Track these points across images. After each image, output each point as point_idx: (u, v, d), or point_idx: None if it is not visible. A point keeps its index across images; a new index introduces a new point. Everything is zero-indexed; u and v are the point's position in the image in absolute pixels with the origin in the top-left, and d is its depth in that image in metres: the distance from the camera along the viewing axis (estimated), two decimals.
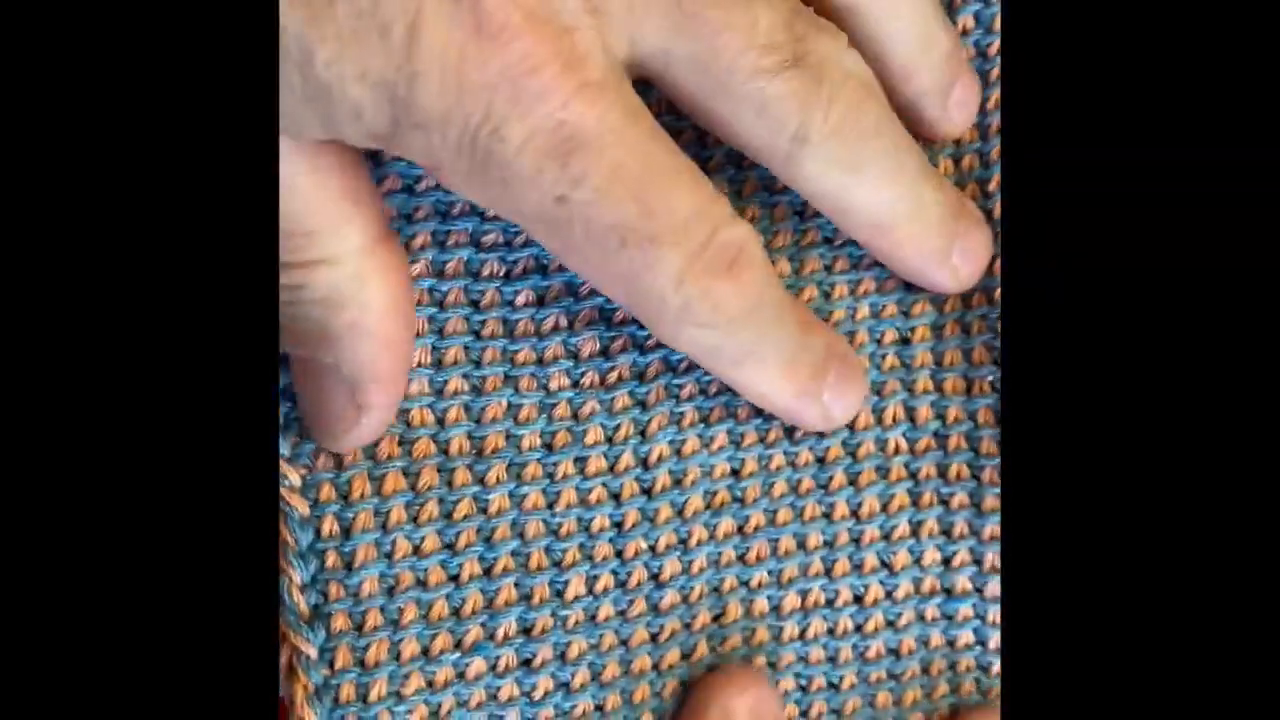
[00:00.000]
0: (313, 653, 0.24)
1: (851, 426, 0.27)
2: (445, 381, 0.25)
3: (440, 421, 0.25)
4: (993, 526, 0.27)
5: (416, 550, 0.25)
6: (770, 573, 0.27)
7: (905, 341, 0.28)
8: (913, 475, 0.28)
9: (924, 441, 0.28)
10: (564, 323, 0.26)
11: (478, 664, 0.25)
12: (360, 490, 0.24)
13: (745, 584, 0.27)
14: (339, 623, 0.24)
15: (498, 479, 0.25)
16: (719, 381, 0.26)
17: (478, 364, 0.25)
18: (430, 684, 0.24)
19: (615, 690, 0.26)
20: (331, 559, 0.24)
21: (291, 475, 0.24)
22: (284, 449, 0.24)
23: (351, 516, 0.24)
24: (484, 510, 0.25)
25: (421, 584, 0.25)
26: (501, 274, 0.26)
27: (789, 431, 0.27)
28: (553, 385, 0.26)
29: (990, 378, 0.27)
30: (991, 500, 0.27)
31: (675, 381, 0.26)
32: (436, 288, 0.25)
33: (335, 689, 0.24)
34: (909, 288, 0.28)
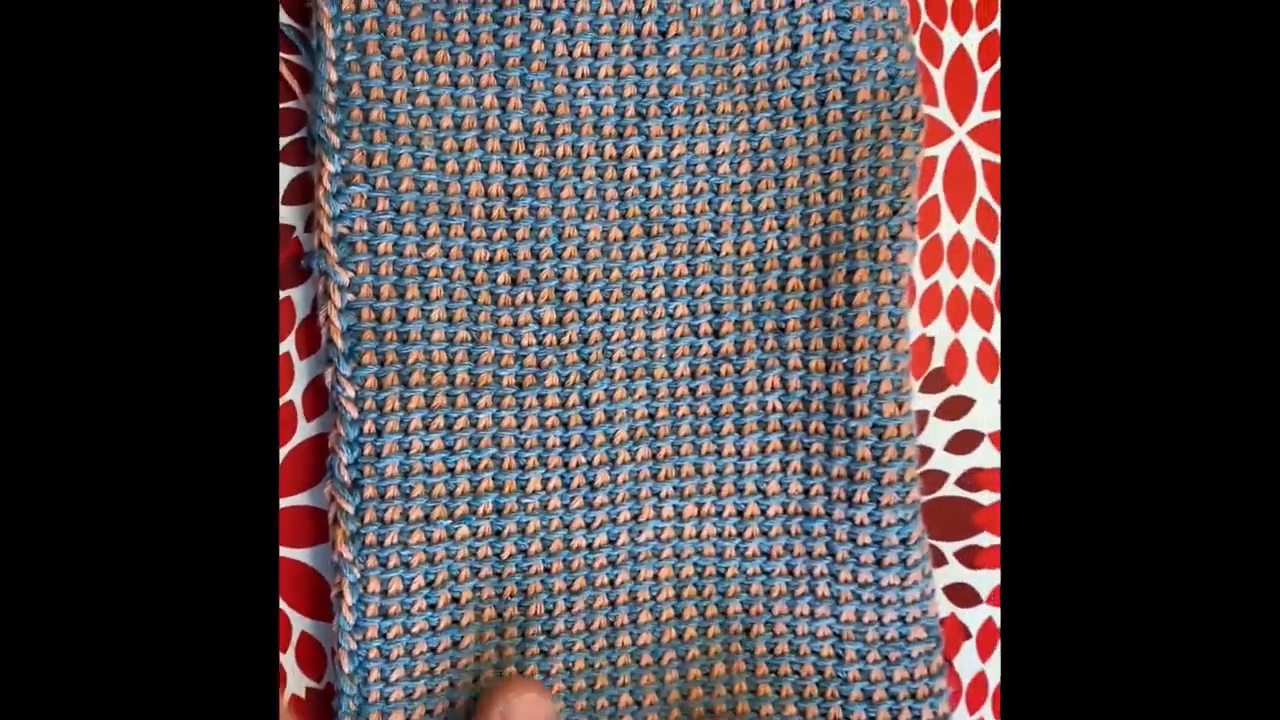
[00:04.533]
0: (350, 509, 0.35)
1: (741, 390, 0.38)
2: (455, 333, 0.36)
3: (450, 360, 0.36)
4: (839, 467, 0.38)
5: (426, 449, 0.36)
6: (675, 488, 0.38)
7: (781, 330, 0.39)
8: (784, 428, 0.39)
9: (793, 404, 0.39)
10: (530, 298, 0.37)
11: (463, 530, 0.36)
12: (391, 405, 0.36)
13: (657, 495, 0.38)
14: (369, 492, 0.36)
15: (486, 405, 0.37)
16: (640, 347, 0.38)
17: (475, 321, 0.37)
18: (429, 539, 0.36)
19: (559, 559, 0.37)
20: (368, 449, 0.36)
21: (349, 389, 0.36)
22: (345, 369, 0.35)
23: (384, 422, 0.36)
24: (474, 424, 0.37)
25: (427, 471, 0.36)
26: (487, 259, 0.37)
27: (693, 390, 0.38)
28: (524, 342, 0.37)
29: (844, 360, 0.38)
30: (839, 449, 0.38)
31: (609, 347, 0.38)
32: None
33: (363, 536, 0.35)
34: (783, 289, 0.39)
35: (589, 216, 0.38)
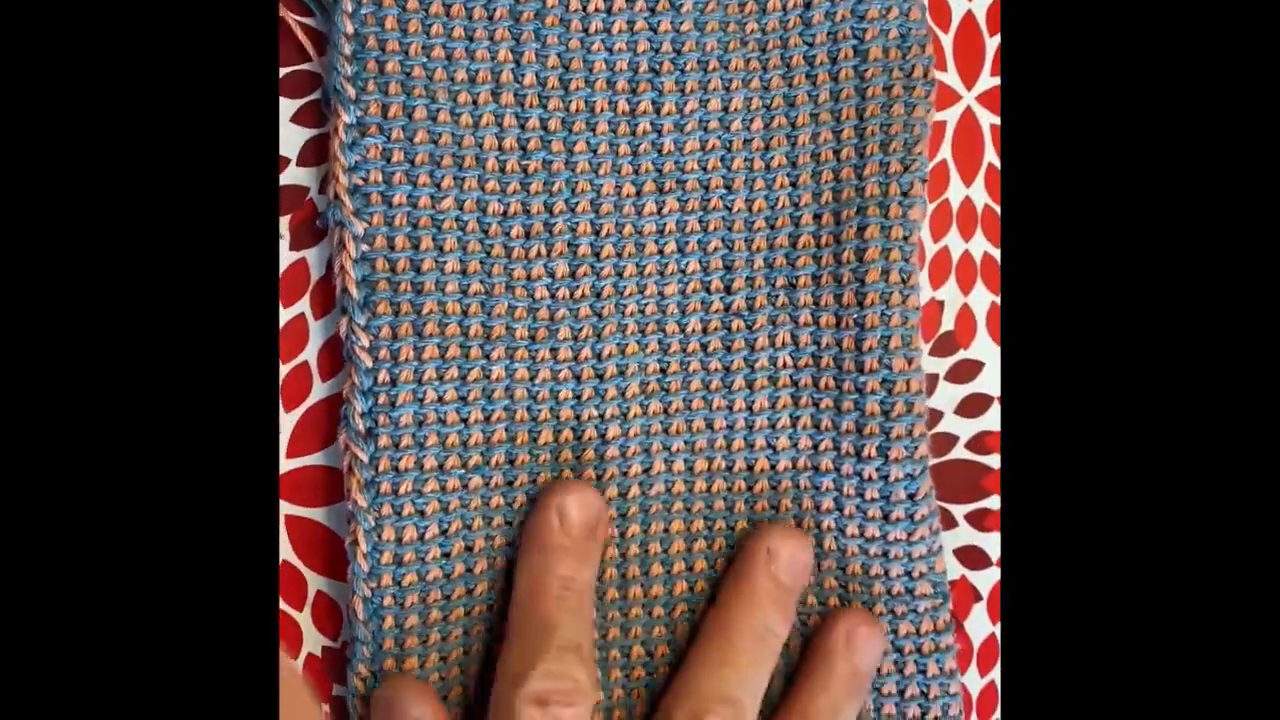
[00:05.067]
0: (364, 458, 0.36)
1: (752, 346, 0.39)
2: (469, 284, 0.37)
3: (464, 312, 0.37)
4: (848, 422, 0.38)
5: (440, 399, 0.36)
6: (686, 443, 0.38)
7: (792, 286, 0.39)
8: (794, 384, 0.39)
9: (804, 360, 0.39)
10: (543, 251, 0.38)
11: (476, 480, 0.36)
12: (405, 355, 0.36)
13: (668, 449, 0.38)
14: (383, 440, 0.36)
15: (499, 357, 0.37)
16: (652, 302, 0.38)
17: (489, 273, 0.37)
18: (443, 488, 0.36)
19: None
20: (382, 398, 0.36)
21: (364, 338, 0.36)
22: (360, 319, 0.36)
23: (398, 372, 0.36)
24: (487, 376, 0.37)
25: (441, 421, 0.36)
26: (501, 213, 0.37)
27: (704, 345, 0.38)
28: (537, 295, 0.37)
29: (854, 315, 0.38)
30: (848, 404, 0.38)
31: (621, 302, 0.38)
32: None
33: (378, 484, 0.36)
34: (795, 246, 0.39)
35: (602, 171, 0.38)
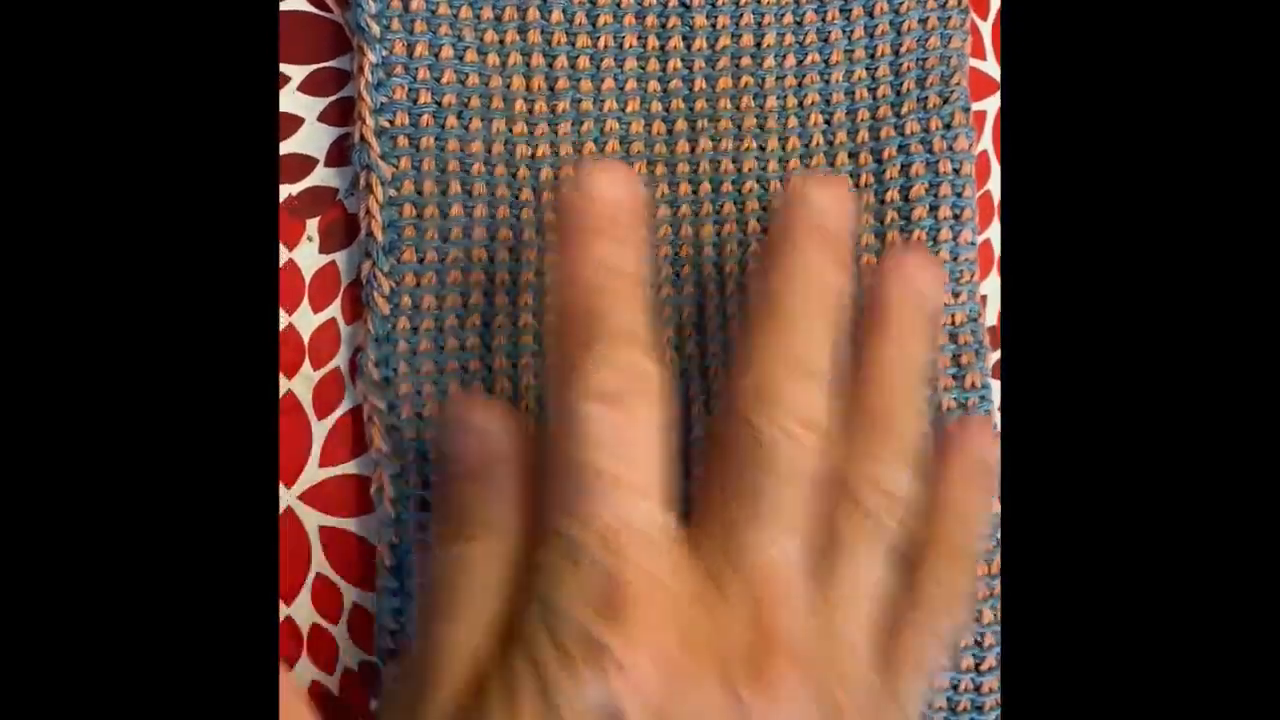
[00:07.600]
0: (383, 406, 0.35)
1: None
2: (498, 230, 0.36)
3: (491, 259, 0.36)
4: None
5: (462, 346, 0.36)
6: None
7: None
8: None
9: None
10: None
11: None
12: (428, 304, 0.35)
13: (706, 393, 0.36)
14: (404, 389, 0.35)
15: (525, 304, 0.36)
16: (686, 244, 0.37)
17: (518, 218, 0.36)
18: None
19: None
20: (401, 346, 0.35)
21: (385, 285, 0.35)
22: (384, 265, 0.35)
23: (420, 321, 0.35)
24: (514, 323, 0.36)
25: (464, 368, 0.35)
26: (530, 155, 0.36)
27: (742, 288, 0.37)
28: None
29: None
30: None
31: (655, 244, 0.36)
32: None
33: (400, 431, 0.35)
34: None
35: (631, 110, 0.37)
